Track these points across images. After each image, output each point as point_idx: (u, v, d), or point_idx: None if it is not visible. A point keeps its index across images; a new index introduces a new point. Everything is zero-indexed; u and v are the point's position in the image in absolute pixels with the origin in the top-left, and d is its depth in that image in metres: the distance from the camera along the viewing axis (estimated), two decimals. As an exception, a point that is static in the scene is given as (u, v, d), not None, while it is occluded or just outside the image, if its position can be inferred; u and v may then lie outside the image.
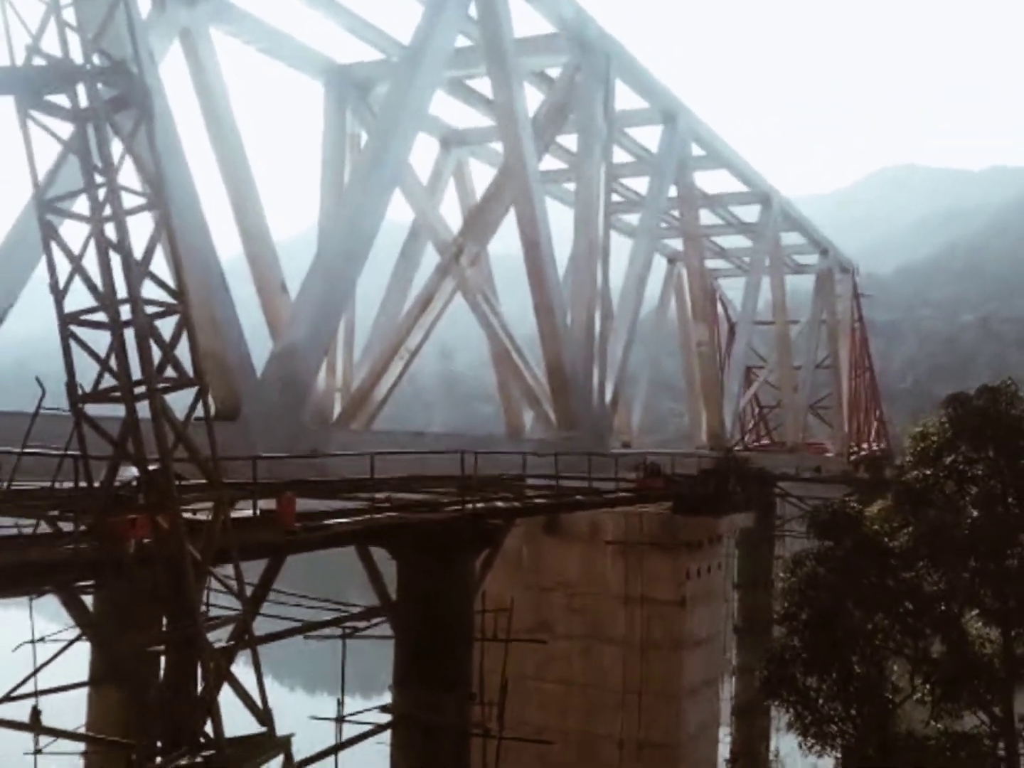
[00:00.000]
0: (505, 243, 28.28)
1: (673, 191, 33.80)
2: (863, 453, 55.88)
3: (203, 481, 9.44)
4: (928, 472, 21.87)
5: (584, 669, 25.28)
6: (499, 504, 16.98)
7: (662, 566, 24.56)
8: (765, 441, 57.48)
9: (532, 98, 25.23)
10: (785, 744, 34.06)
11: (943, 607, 20.81)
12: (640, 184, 35.32)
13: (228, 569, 9.55)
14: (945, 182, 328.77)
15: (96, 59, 9.09)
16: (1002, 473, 21.38)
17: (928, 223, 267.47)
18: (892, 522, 21.99)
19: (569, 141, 29.38)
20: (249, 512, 11.00)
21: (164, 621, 9.07)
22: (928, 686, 20.42)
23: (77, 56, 8.95)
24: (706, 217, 41.13)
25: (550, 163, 31.80)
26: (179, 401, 9.44)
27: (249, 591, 10.52)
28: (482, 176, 29.75)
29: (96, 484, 8.84)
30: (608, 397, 26.47)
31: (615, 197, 33.23)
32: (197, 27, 20.87)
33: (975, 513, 21.12)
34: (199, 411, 9.58)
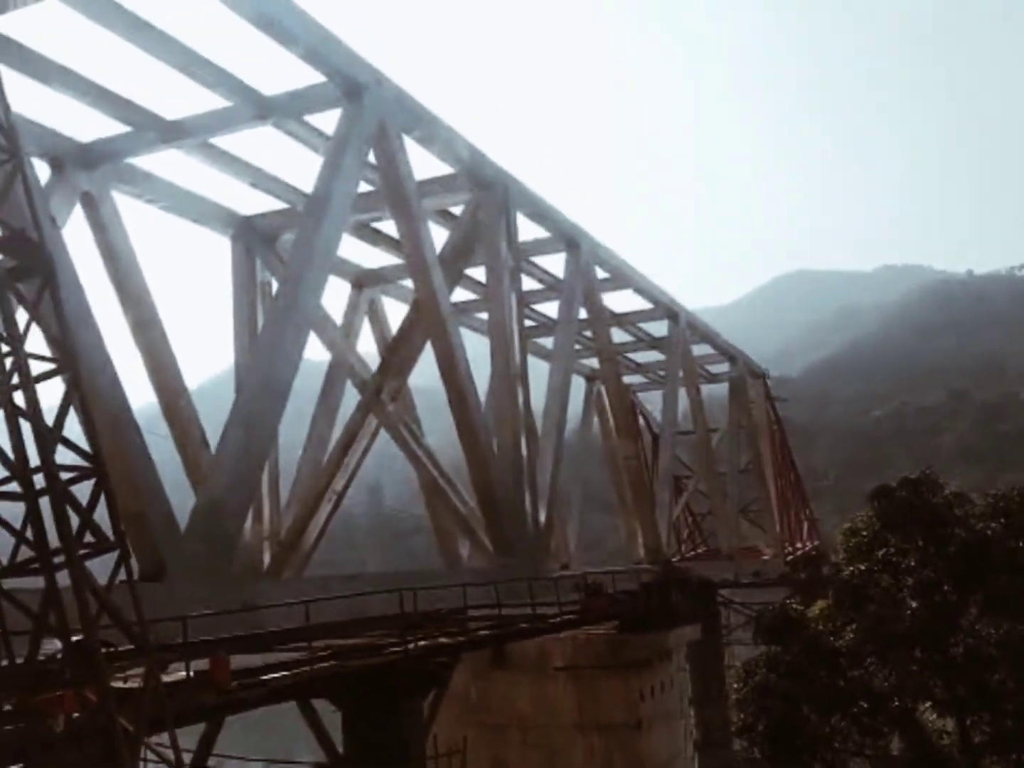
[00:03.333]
0: (426, 375, 28.34)
1: (584, 313, 34.51)
2: (799, 553, 56.17)
3: (131, 647, 9.03)
4: (863, 567, 22.05)
5: (545, 806, 24.34)
6: (443, 640, 16.53)
7: (614, 689, 24.00)
8: (701, 550, 57.43)
9: (438, 234, 25.78)
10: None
11: (896, 702, 20.68)
12: (551, 308, 36.00)
13: (165, 737, 9.06)
14: (837, 284, 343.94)
15: (-5, 230, 9.03)
16: (933, 562, 21.64)
17: (826, 324, 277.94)
18: (835, 621, 22.02)
19: (478, 272, 29.93)
20: (183, 675, 10.52)
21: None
22: (893, 784, 20.14)
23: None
24: (619, 335, 41.96)
25: (462, 294, 32.30)
26: (103, 565, 9.10)
27: (188, 758, 9.96)
28: (396, 312, 30.10)
29: (18, 660, 8.39)
30: (542, 519, 26.29)
31: (528, 322, 33.78)
32: (98, 190, 21.00)
33: (913, 604, 21.25)
34: (122, 575, 9.25)
